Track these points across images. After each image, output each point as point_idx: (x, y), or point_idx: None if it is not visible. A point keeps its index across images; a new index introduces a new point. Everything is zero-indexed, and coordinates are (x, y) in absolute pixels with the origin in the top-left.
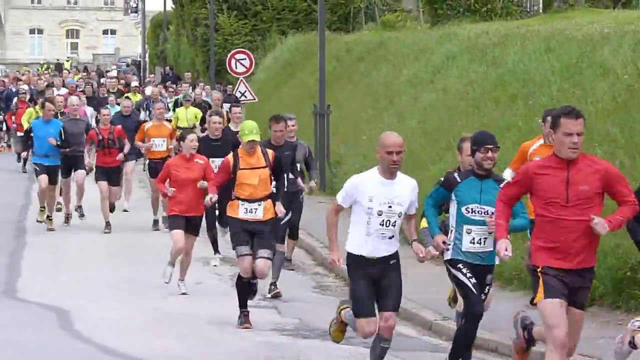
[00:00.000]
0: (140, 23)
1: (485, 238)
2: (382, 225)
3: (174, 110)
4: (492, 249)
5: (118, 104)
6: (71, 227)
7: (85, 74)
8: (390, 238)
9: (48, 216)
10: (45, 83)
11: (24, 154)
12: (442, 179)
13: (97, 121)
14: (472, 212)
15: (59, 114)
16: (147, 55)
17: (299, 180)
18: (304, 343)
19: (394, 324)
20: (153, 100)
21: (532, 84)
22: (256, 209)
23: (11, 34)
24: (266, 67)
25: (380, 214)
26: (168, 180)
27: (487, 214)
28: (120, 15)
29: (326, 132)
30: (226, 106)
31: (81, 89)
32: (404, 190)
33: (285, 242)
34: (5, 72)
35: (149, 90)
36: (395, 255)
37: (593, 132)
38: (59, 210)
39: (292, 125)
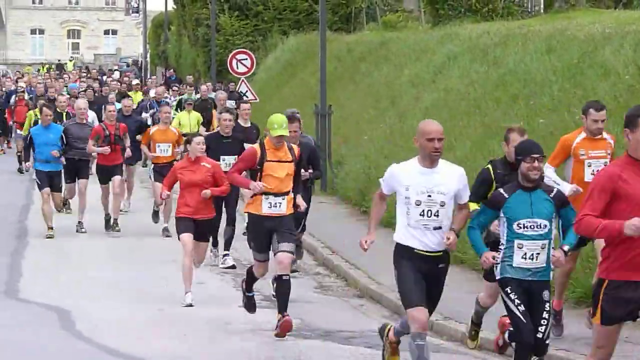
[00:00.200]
0: (142, 23)
1: (538, 253)
2: (423, 215)
3: (176, 110)
4: (545, 264)
5: (119, 102)
6: (72, 227)
7: (86, 74)
8: (436, 229)
9: (50, 228)
10: (45, 87)
11: (27, 165)
12: (489, 198)
13: (100, 120)
14: (523, 228)
15: (63, 115)
16: (148, 56)
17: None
18: (305, 343)
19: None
20: (157, 101)
21: (534, 84)
22: (280, 203)
23: (12, 34)
24: (267, 67)
25: (418, 203)
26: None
27: (540, 227)
28: (122, 15)
29: (327, 132)
30: (229, 103)
31: (82, 90)
32: (447, 179)
33: None
34: (6, 71)
35: (153, 92)
36: (444, 258)
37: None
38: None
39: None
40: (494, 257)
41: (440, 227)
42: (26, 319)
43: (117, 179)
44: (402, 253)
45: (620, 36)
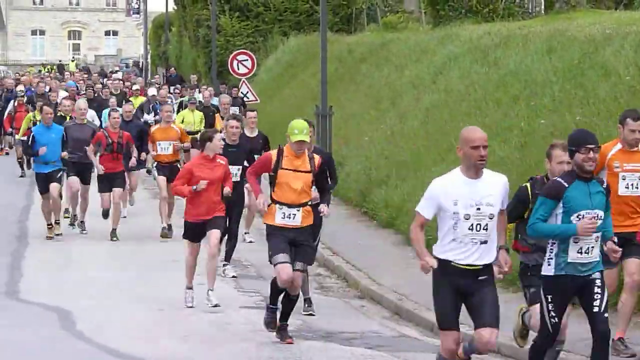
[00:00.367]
0: (142, 24)
1: (592, 247)
2: (471, 229)
3: (177, 112)
4: (598, 258)
5: (120, 106)
6: (72, 229)
7: (87, 75)
8: (483, 243)
9: (57, 221)
10: (48, 87)
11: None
12: (547, 188)
13: (100, 124)
14: (582, 219)
15: (67, 119)
16: (149, 57)
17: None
18: (306, 344)
19: (494, 339)
20: (159, 102)
21: (534, 85)
22: (294, 214)
23: (13, 35)
24: (268, 68)
25: (467, 217)
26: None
27: (598, 218)
28: (122, 16)
29: (328, 133)
30: (233, 109)
31: (82, 92)
32: (493, 189)
33: None
34: (7, 72)
35: (152, 91)
36: (487, 270)
37: (595, 134)
38: (67, 217)
39: None
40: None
41: (486, 242)
42: (26, 319)
43: (118, 191)
44: (442, 268)
45: (621, 37)
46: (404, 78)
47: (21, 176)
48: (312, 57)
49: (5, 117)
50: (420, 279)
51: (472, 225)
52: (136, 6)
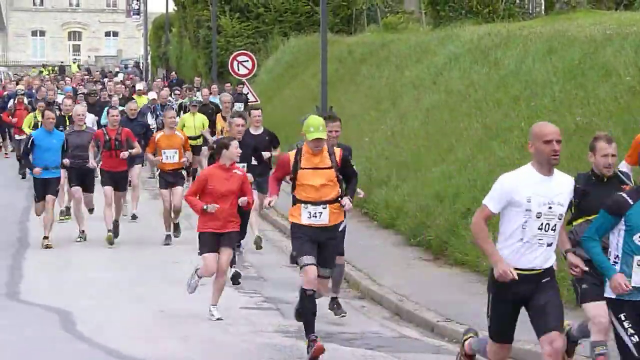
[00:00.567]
0: (143, 25)
1: None
2: (541, 229)
3: (178, 114)
4: None
5: (122, 105)
6: (73, 231)
7: (88, 77)
8: (548, 246)
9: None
10: (47, 90)
11: (36, 170)
12: (610, 203)
13: (99, 125)
14: (619, 277)
15: (66, 118)
16: (149, 57)
17: None
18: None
19: (561, 345)
20: (161, 105)
21: (534, 85)
22: (320, 212)
23: (14, 35)
24: (268, 69)
25: (539, 216)
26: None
27: None
28: (122, 17)
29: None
30: (237, 105)
31: (82, 92)
32: (563, 188)
33: None
34: (8, 74)
35: (152, 95)
36: (549, 272)
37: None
38: (67, 218)
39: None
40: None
41: (551, 244)
42: (27, 320)
43: (119, 194)
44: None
45: (621, 37)
46: (404, 79)
47: (22, 174)
48: (313, 57)
49: (4, 113)
50: (420, 279)
51: (542, 224)
52: (136, 7)
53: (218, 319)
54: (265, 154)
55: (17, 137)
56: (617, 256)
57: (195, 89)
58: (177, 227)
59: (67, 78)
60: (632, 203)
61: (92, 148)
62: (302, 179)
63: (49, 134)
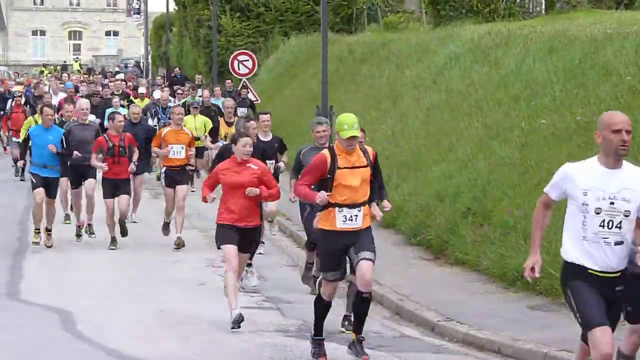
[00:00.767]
0: (143, 24)
1: None
2: (602, 226)
3: None
4: None
5: (123, 107)
6: (73, 231)
7: (87, 76)
8: (617, 244)
9: (47, 229)
10: (47, 87)
11: (20, 163)
12: None
13: (102, 127)
14: None
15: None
16: (149, 57)
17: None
18: (307, 344)
19: None
20: (162, 107)
21: (535, 85)
22: (356, 215)
23: (14, 35)
24: (269, 68)
25: (598, 212)
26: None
27: None
28: (123, 16)
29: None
30: (240, 111)
31: (82, 93)
32: (634, 183)
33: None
34: (8, 73)
35: (157, 94)
36: (623, 280)
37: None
38: (68, 223)
39: (324, 131)
40: None
41: (622, 242)
42: (27, 320)
43: (124, 198)
44: (574, 273)
45: (622, 37)
46: (405, 78)
47: (21, 179)
48: (313, 57)
49: (2, 117)
50: (420, 278)
51: (603, 221)
52: (137, 6)
53: (236, 326)
54: (269, 162)
55: (14, 139)
56: None
57: (197, 87)
58: (180, 239)
59: (64, 75)
60: None
61: (95, 159)
62: (341, 179)
63: (45, 131)
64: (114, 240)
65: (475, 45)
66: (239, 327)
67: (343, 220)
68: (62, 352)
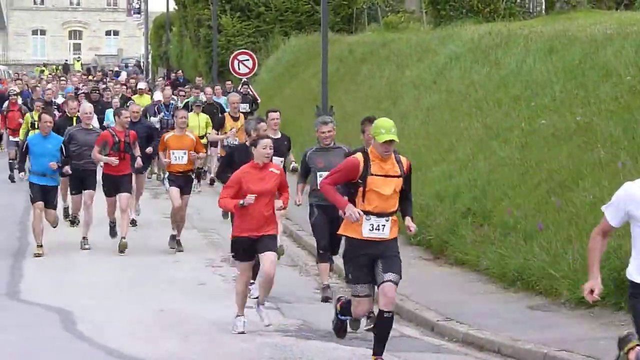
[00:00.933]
0: (143, 24)
1: None
2: None
3: None
4: None
5: (122, 106)
6: (75, 236)
7: (86, 76)
8: None
9: (39, 245)
10: (44, 89)
11: (21, 175)
12: None
13: (101, 125)
14: None
15: (74, 120)
16: (149, 57)
17: None
18: (307, 344)
19: None
20: (165, 105)
21: (535, 85)
22: (384, 225)
23: (14, 35)
24: (269, 68)
25: None
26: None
27: None
28: (123, 16)
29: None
30: (242, 107)
31: (82, 92)
32: None
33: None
34: (8, 72)
35: (157, 95)
36: None
37: (596, 134)
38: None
39: (329, 131)
40: None
41: None
42: (28, 320)
43: (124, 196)
44: None
45: (622, 37)
46: (405, 78)
47: (10, 177)
48: (313, 57)
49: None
50: (420, 278)
51: None
52: (137, 6)
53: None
54: (278, 160)
55: (11, 138)
56: None
57: (198, 88)
58: (179, 242)
59: (62, 79)
60: None
61: (96, 151)
62: (372, 185)
63: (43, 139)
64: (113, 227)
65: (475, 46)
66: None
67: (370, 229)
68: (62, 352)
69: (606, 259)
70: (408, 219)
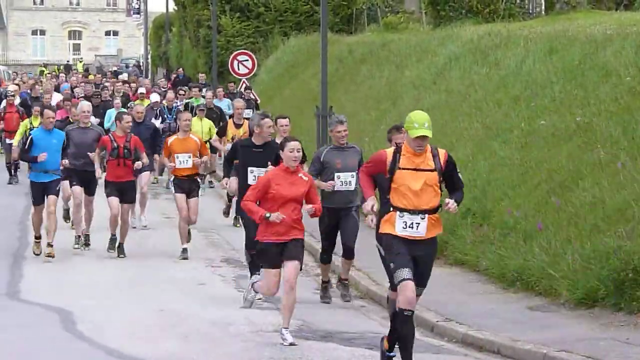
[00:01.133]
0: (143, 24)
1: None
2: None
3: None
4: None
5: (124, 107)
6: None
7: (86, 77)
8: None
9: (48, 243)
10: (44, 89)
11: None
12: None
13: (102, 125)
14: None
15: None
16: (149, 57)
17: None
18: (306, 344)
19: None
20: (168, 108)
21: (535, 85)
22: (418, 223)
23: (14, 35)
24: (269, 68)
25: None
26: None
27: None
28: (123, 16)
29: (329, 133)
30: (246, 112)
31: (77, 95)
32: None
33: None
34: (8, 73)
35: (154, 97)
36: None
37: (596, 134)
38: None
39: (345, 130)
40: None
41: None
42: (27, 320)
43: (126, 207)
44: None
45: (622, 38)
46: (405, 78)
47: (9, 183)
48: (313, 57)
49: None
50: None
51: None
52: (136, 6)
53: (291, 344)
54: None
55: (7, 140)
56: None
57: (201, 87)
58: (185, 249)
59: (61, 75)
60: None
61: (97, 155)
62: (400, 180)
63: (48, 133)
64: (113, 239)
65: (475, 46)
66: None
67: (403, 227)
68: (62, 352)
69: (605, 259)
70: (450, 201)
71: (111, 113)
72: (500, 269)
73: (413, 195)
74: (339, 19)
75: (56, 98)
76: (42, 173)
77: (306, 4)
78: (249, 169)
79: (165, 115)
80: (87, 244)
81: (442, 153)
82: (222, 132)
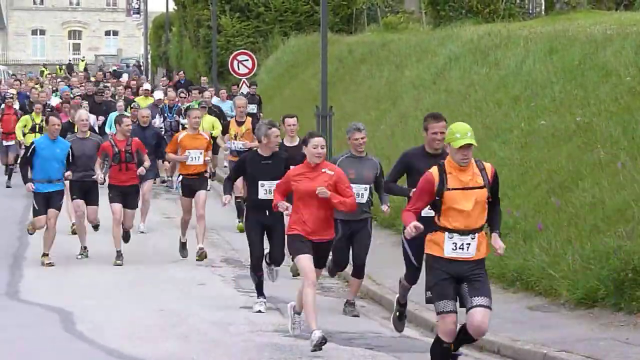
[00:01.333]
0: (143, 24)
1: None
2: None
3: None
4: None
5: (126, 109)
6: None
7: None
8: None
9: (45, 253)
10: (46, 91)
11: (29, 187)
12: None
13: (101, 130)
14: None
15: (76, 128)
16: (149, 57)
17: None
18: (306, 344)
19: None
20: (169, 107)
21: (535, 85)
22: (469, 244)
23: (14, 35)
24: (268, 68)
25: None
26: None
27: None
28: (123, 16)
29: (328, 134)
30: (250, 107)
31: (78, 95)
32: None
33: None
34: (7, 73)
35: (158, 94)
36: None
37: (596, 134)
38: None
39: (362, 138)
40: None
41: None
42: (27, 320)
43: (129, 215)
44: None
45: (622, 38)
46: (405, 78)
47: (8, 187)
48: (313, 57)
49: None
50: (421, 279)
51: None
52: (136, 6)
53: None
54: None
55: (4, 142)
56: None
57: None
58: (184, 245)
59: (59, 79)
60: None
61: (98, 163)
62: (451, 202)
63: (52, 142)
64: (119, 255)
65: (475, 46)
66: (321, 349)
67: (452, 249)
68: (62, 352)
69: (605, 259)
70: (495, 236)
71: (113, 117)
72: (500, 269)
73: (464, 216)
74: (338, 19)
75: (55, 101)
76: (46, 183)
77: (306, 3)
78: (260, 182)
79: (166, 114)
80: (85, 255)
81: (488, 167)
82: (224, 131)
